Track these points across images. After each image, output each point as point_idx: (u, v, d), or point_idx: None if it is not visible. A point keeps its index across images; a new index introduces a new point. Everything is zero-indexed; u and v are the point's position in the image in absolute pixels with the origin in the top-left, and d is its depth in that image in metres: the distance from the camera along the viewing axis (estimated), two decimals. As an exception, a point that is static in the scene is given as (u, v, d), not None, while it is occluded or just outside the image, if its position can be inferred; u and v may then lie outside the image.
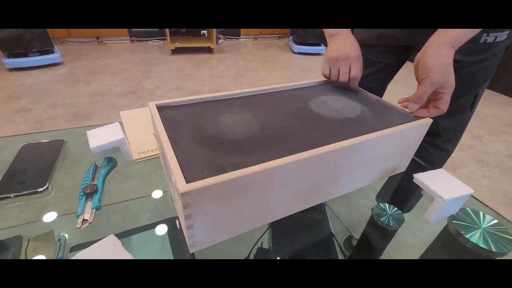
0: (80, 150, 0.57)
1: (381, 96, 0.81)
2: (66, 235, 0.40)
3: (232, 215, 0.36)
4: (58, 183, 0.49)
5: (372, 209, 0.41)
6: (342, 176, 0.44)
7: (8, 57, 2.23)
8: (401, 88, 2.49)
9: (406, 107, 0.50)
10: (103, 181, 0.47)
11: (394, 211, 0.40)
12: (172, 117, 0.44)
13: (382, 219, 0.38)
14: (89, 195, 0.43)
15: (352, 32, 0.62)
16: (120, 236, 0.36)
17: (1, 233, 0.40)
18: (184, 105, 0.47)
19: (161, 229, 0.42)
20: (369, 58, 0.72)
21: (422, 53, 0.46)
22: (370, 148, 0.43)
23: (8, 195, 0.44)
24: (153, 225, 0.42)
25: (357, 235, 0.45)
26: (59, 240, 0.39)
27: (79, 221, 0.40)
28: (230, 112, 0.46)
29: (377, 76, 0.75)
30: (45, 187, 0.46)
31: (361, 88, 0.60)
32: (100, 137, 0.49)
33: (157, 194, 0.49)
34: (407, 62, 0.77)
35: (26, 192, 0.45)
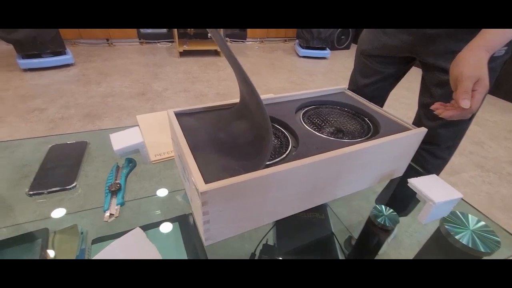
0: (101, 151, 0.61)
1: (382, 104, 0.84)
2: (87, 229, 0.44)
3: (243, 213, 0.40)
4: (83, 181, 0.53)
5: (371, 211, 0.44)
6: (343, 179, 0.48)
7: (23, 58, 2.30)
8: (405, 93, 2.51)
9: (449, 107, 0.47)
10: (125, 180, 0.52)
11: (390, 213, 0.44)
12: (189, 123, 0.48)
13: (378, 220, 0.42)
14: (114, 193, 0.48)
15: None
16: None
17: (31, 225, 0.44)
18: (199, 112, 0.52)
19: (176, 225, 0.46)
20: (372, 67, 0.76)
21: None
22: (369, 155, 0.47)
23: (42, 191, 0.49)
24: (168, 221, 0.46)
25: (356, 235, 0.48)
26: (82, 233, 0.43)
27: (106, 215, 0.44)
28: (242, 118, 0.50)
29: (379, 85, 0.78)
30: (74, 184, 0.51)
31: (363, 98, 0.63)
32: (122, 140, 0.53)
33: (170, 193, 0.53)
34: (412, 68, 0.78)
35: (57, 188, 0.49)
